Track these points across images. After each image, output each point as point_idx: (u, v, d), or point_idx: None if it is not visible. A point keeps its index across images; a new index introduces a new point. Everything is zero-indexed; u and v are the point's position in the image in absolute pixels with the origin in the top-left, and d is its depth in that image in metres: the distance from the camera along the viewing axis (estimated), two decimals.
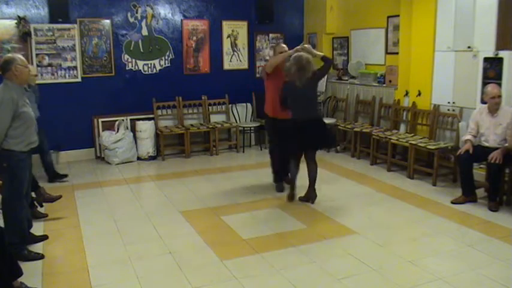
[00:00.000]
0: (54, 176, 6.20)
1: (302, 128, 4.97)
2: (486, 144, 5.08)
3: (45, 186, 5.08)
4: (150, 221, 4.77)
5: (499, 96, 4.97)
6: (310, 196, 5.23)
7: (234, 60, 8.25)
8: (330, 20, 8.29)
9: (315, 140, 5.11)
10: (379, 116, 7.23)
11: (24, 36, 6.69)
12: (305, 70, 4.95)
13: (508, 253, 3.92)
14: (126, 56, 7.47)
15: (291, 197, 5.28)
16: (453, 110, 6.06)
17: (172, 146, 7.65)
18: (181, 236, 4.41)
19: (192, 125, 7.69)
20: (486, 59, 5.48)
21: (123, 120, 7.30)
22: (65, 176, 6.24)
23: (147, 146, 7.31)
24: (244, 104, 8.24)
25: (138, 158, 7.32)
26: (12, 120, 3.71)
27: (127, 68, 7.51)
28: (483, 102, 5.32)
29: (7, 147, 3.75)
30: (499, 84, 5.23)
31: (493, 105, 5.00)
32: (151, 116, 7.54)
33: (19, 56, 3.91)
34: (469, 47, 5.72)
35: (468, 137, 5.16)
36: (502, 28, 5.38)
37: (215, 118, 8.06)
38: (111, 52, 7.34)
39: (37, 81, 6.63)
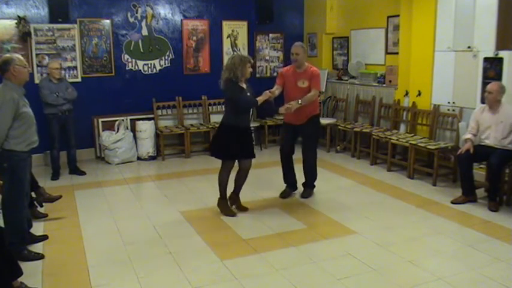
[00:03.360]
0: (75, 170, 6.56)
1: None
2: (487, 142, 5.08)
3: (45, 186, 5.08)
4: (150, 221, 4.77)
5: (490, 93, 4.98)
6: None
7: None
8: (330, 20, 8.29)
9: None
10: (379, 116, 7.22)
11: (24, 36, 6.69)
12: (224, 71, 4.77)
13: (508, 253, 3.92)
14: (126, 56, 7.48)
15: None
16: (453, 110, 6.06)
17: (172, 146, 7.65)
18: (181, 236, 4.41)
19: (192, 125, 7.69)
20: (486, 59, 5.49)
21: (123, 120, 7.30)
22: (84, 173, 6.57)
23: (147, 146, 7.31)
24: None
25: (138, 158, 7.32)
26: (13, 120, 3.71)
27: (127, 68, 7.51)
28: (483, 102, 5.32)
29: (8, 148, 3.74)
30: None
31: (488, 100, 5.03)
32: (151, 116, 7.55)
33: (17, 56, 3.91)
34: (469, 47, 5.72)
35: (468, 136, 5.16)
36: (502, 28, 5.38)
37: (215, 118, 8.04)
38: (111, 52, 7.34)
39: (38, 81, 6.67)
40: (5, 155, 3.75)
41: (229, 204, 4.97)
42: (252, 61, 4.78)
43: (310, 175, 5.44)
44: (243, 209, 5.00)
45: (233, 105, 4.73)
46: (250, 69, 4.75)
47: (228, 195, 4.96)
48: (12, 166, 3.79)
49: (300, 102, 4.99)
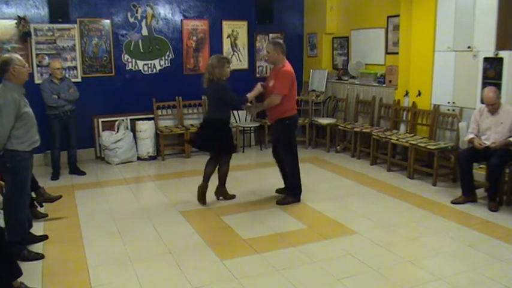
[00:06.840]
0: (75, 170, 6.57)
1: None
2: (487, 143, 5.08)
3: (45, 186, 5.07)
4: (150, 221, 4.77)
5: (493, 104, 4.96)
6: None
7: (234, 60, 8.24)
8: (330, 20, 8.29)
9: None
10: (379, 116, 7.23)
11: (24, 36, 6.69)
12: None
13: (508, 253, 3.92)
14: (126, 56, 7.47)
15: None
16: (453, 110, 6.06)
17: (172, 146, 7.65)
18: (181, 236, 4.41)
19: (192, 125, 7.69)
20: (486, 59, 5.48)
21: (123, 120, 7.30)
22: (84, 173, 6.57)
23: (147, 146, 7.32)
24: None
25: (138, 158, 7.32)
26: (15, 120, 3.71)
27: (127, 68, 7.51)
28: (483, 102, 5.32)
29: (10, 148, 3.75)
30: (499, 85, 5.23)
31: (491, 110, 5.02)
32: (151, 116, 7.55)
33: (16, 56, 3.90)
34: (469, 47, 5.72)
35: (471, 135, 5.15)
36: (502, 28, 5.38)
37: None
38: (111, 52, 7.34)
39: (38, 81, 6.67)
40: (7, 155, 3.76)
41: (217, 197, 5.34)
42: (230, 61, 5.03)
43: (289, 181, 5.25)
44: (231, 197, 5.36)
45: (219, 103, 5.02)
46: (229, 69, 4.98)
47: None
48: (14, 166, 3.80)
49: (258, 105, 5.24)
